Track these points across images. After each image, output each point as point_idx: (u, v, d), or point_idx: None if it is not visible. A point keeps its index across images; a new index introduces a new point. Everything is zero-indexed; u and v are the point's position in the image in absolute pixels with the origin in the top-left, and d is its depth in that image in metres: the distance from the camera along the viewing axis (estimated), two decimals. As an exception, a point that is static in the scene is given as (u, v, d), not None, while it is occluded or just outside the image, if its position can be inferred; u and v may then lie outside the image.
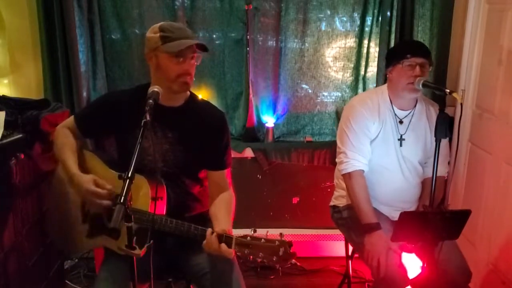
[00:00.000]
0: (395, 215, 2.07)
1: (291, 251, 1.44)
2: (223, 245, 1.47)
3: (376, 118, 2.05)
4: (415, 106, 2.10)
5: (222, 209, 1.69)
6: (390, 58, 2.08)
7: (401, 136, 2.08)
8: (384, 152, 2.07)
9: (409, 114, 2.09)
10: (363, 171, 2.03)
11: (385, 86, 2.14)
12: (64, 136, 1.81)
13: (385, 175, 2.09)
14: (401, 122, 2.08)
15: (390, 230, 2.00)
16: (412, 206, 2.14)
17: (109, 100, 1.84)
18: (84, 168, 1.76)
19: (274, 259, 1.43)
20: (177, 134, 1.74)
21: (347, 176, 2.04)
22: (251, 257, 1.45)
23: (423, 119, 2.11)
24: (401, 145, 2.07)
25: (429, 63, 2.00)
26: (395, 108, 2.08)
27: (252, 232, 1.47)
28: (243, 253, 1.45)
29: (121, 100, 1.78)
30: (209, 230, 1.52)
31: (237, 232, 1.50)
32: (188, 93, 1.80)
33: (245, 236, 1.46)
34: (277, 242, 1.44)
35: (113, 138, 1.85)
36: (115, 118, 1.75)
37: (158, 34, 1.63)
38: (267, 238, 1.45)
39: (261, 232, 1.51)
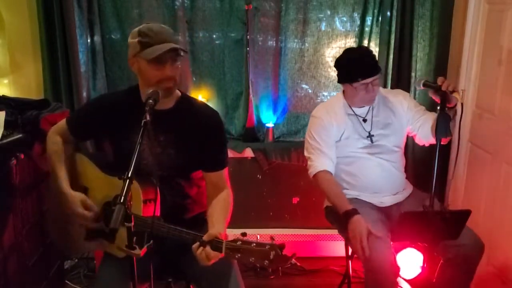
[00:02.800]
0: (384, 201, 2.15)
1: (283, 253, 1.40)
2: (208, 249, 1.45)
3: (335, 124, 2.13)
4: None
5: (217, 211, 1.66)
6: (340, 76, 2.14)
7: (369, 133, 2.14)
8: (356, 149, 2.13)
9: (369, 109, 2.16)
10: (328, 171, 2.12)
11: (341, 92, 2.23)
12: (52, 144, 1.79)
13: (365, 166, 2.14)
14: (365, 120, 2.15)
15: (383, 216, 2.05)
16: (401, 191, 2.18)
17: (101, 103, 1.81)
18: (76, 175, 1.76)
19: (265, 263, 1.40)
20: (170, 137, 1.71)
21: (314, 179, 2.14)
22: (243, 261, 1.43)
23: (385, 108, 2.18)
24: (372, 141, 2.14)
25: (379, 75, 2.08)
26: (354, 109, 2.16)
27: (242, 236, 1.45)
28: (234, 257, 1.43)
29: (112, 103, 1.76)
30: (195, 245, 1.48)
31: (237, 233, 1.50)
32: (179, 93, 1.76)
33: (235, 240, 1.43)
34: (267, 246, 1.40)
35: (108, 141, 1.82)
36: (107, 121, 1.73)
37: (136, 40, 1.59)
38: (258, 242, 1.42)
39: (259, 233, 1.50)
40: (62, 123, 1.84)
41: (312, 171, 2.14)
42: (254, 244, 1.41)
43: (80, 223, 1.71)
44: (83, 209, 1.64)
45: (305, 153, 2.22)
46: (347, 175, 2.18)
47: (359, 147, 2.13)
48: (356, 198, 2.14)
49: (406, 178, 2.27)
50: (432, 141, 2.07)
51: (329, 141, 2.14)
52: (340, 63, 2.13)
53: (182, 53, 1.61)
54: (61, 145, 1.79)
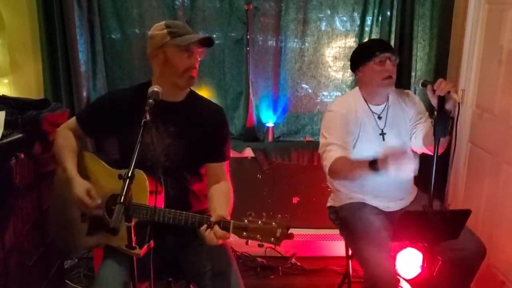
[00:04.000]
0: (390, 205, 2.14)
1: (288, 232, 1.46)
2: (216, 228, 1.49)
3: (354, 120, 2.09)
4: (388, 98, 2.16)
5: (220, 197, 1.71)
6: (357, 59, 2.12)
7: (382, 131, 2.12)
8: (368, 148, 2.09)
9: (384, 107, 2.14)
10: (344, 156, 1.98)
11: (357, 88, 2.19)
12: (64, 138, 1.82)
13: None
14: (379, 117, 2.13)
15: (387, 222, 2.03)
16: (406, 195, 2.17)
17: (111, 99, 1.86)
18: (84, 169, 1.77)
19: (271, 240, 1.45)
20: (179, 128, 1.76)
21: (331, 170, 1.99)
22: (249, 240, 1.47)
23: (398, 108, 2.16)
24: (383, 139, 2.12)
25: (395, 57, 2.06)
26: (370, 106, 2.13)
27: (249, 216, 1.48)
28: (241, 236, 1.47)
29: (123, 98, 1.80)
30: (203, 227, 1.53)
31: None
32: (188, 89, 1.83)
33: (242, 219, 1.48)
34: (274, 223, 1.46)
35: (115, 137, 1.86)
36: (117, 116, 1.77)
37: (165, 31, 1.68)
38: (264, 220, 1.47)
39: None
40: (72, 120, 1.87)
41: (327, 163, 2.00)
42: (261, 222, 1.46)
43: (81, 210, 1.72)
44: (88, 197, 1.65)
45: (320, 149, 2.09)
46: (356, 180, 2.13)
47: (373, 151, 2.05)
48: (362, 202, 2.13)
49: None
50: (423, 150, 2.09)
51: (347, 136, 2.06)
52: (355, 50, 2.16)
53: (202, 48, 1.73)
54: (72, 138, 1.82)
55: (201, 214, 1.77)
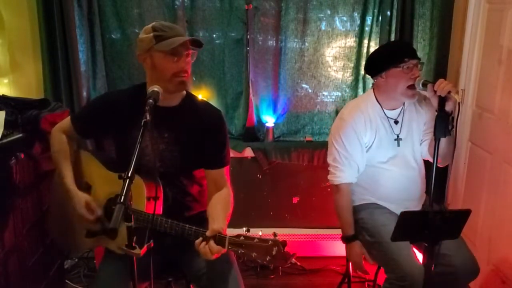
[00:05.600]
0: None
1: (284, 250, 1.42)
2: (211, 243, 1.46)
3: (368, 128, 2.04)
4: (403, 102, 2.08)
5: (218, 207, 1.67)
6: (382, 63, 2.00)
7: (397, 136, 2.08)
8: (382, 154, 2.07)
9: (400, 111, 2.09)
10: (351, 183, 2.09)
11: (370, 92, 2.12)
12: (59, 142, 1.81)
13: (386, 175, 2.09)
14: (396, 122, 2.08)
15: None
16: (417, 203, 2.14)
17: (106, 101, 1.83)
18: (80, 170, 1.77)
19: (267, 259, 1.41)
20: (174, 134, 1.73)
21: (335, 188, 2.11)
22: (245, 257, 1.44)
23: (413, 112, 2.10)
24: (398, 144, 2.07)
25: (421, 64, 2.01)
26: (386, 111, 2.07)
27: (245, 232, 1.46)
28: (237, 252, 1.44)
29: (118, 100, 1.77)
30: (198, 240, 1.50)
31: (236, 232, 1.50)
32: (184, 92, 1.79)
33: (238, 236, 1.45)
34: (270, 241, 1.42)
35: (111, 139, 1.84)
36: (112, 118, 1.75)
37: (151, 34, 1.63)
38: (261, 238, 1.43)
39: (256, 232, 1.50)
40: (66, 120, 1.85)
41: (336, 180, 2.07)
42: (257, 240, 1.43)
43: (80, 223, 1.73)
44: (86, 211, 1.66)
45: (329, 159, 2.10)
46: (367, 183, 2.12)
47: (386, 157, 2.06)
48: (376, 204, 2.11)
49: None
50: (428, 158, 2.07)
51: (360, 148, 2.04)
52: (379, 51, 2.08)
53: (193, 49, 1.67)
54: (66, 143, 1.81)
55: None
